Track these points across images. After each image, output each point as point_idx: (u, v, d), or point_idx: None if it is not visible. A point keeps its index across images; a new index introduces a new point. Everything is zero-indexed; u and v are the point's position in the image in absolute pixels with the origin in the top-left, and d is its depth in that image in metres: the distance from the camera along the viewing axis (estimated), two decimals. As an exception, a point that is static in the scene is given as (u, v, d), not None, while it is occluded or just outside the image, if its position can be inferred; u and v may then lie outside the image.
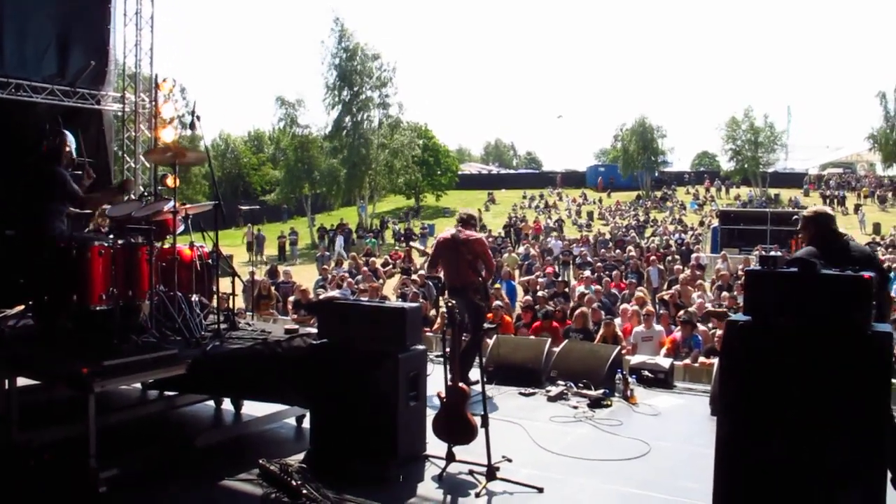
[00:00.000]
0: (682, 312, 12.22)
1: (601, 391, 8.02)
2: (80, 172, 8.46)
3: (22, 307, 7.36)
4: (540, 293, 15.24)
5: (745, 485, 4.13)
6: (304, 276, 22.81)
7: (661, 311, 13.19)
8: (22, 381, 6.29)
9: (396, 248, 35.62)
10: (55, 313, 6.63)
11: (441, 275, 8.42)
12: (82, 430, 5.40)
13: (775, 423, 4.04)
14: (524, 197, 60.49)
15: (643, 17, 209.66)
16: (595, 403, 7.82)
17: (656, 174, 65.94)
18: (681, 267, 20.73)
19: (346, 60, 47.64)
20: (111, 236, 6.88)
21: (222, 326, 6.91)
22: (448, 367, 6.07)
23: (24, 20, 10.51)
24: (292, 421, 7.21)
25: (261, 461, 5.55)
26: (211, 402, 7.62)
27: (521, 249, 30.06)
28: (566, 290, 17.74)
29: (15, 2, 10.33)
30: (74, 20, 11.22)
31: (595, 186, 65.69)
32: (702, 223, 42.98)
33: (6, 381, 6.17)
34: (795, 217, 25.93)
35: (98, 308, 6.47)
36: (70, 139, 7.13)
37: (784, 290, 4.13)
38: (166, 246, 7.23)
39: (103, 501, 5.20)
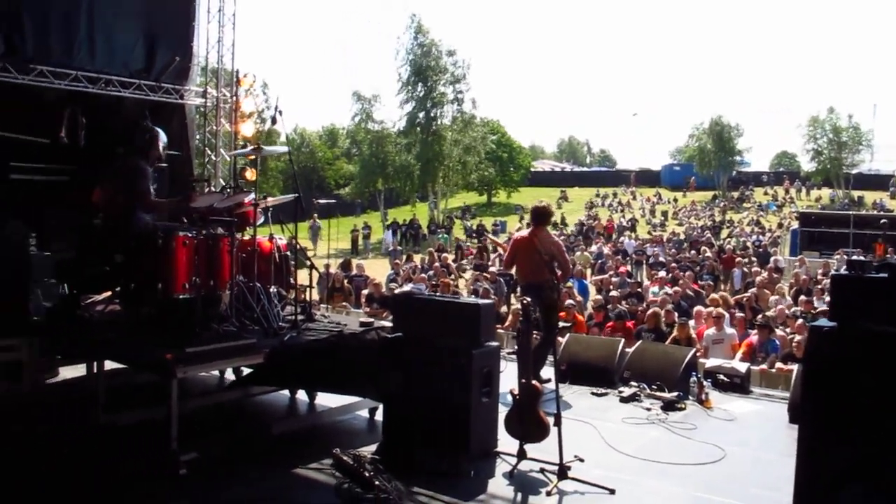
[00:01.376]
0: (759, 316, 11.96)
1: (675, 394, 7.91)
2: (164, 165, 8.72)
3: (109, 294, 7.63)
4: (613, 293, 15.10)
5: (828, 495, 4.01)
6: (376, 270, 23.02)
7: (738, 315, 12.93)
8: (108, 365, 6.52)
9: (468, 243, 35.62)
10: (140, 301, 6.86)
11: (513, 272, 8.43)
12: (164, 414, 5.58)
13: (861, 432, 3.92)
14: (597, 195, 59.84)
15: (721, 13, 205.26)
16: (668, 406, 7.72)
17: (733, 174, 64.55)
18: (758, 270, 20.27)
19: (420, 56, 47.89)
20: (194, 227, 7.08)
21: (299, 318, 7.04)
22: (521, 364, 6.06)
23: (113, 18, 10.83)
24: (365, 413, 7.30)
25: (335, 451, 5.65)
26: (286, 392, 7.77)
27: (594, 248, 29.80)
28: (639, 290, 17.53)
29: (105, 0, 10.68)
30: (160, 17, 11.53)
31: (680, 185, 64.22)
32: (780, 225, 41.89)
33: (94, 365, 6.41)
34: (883, 221, 25.10)
35: (181, 297, 6.66)
36: (162, 137, 7.37)
37: (873, 295, 4.00)
38: (246, 237, 7.39)
39: (183, 484, 5.36)
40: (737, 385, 8.55)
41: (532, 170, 68.82)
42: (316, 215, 37.14)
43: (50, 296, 8.08)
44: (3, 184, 6.50)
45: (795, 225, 32.90)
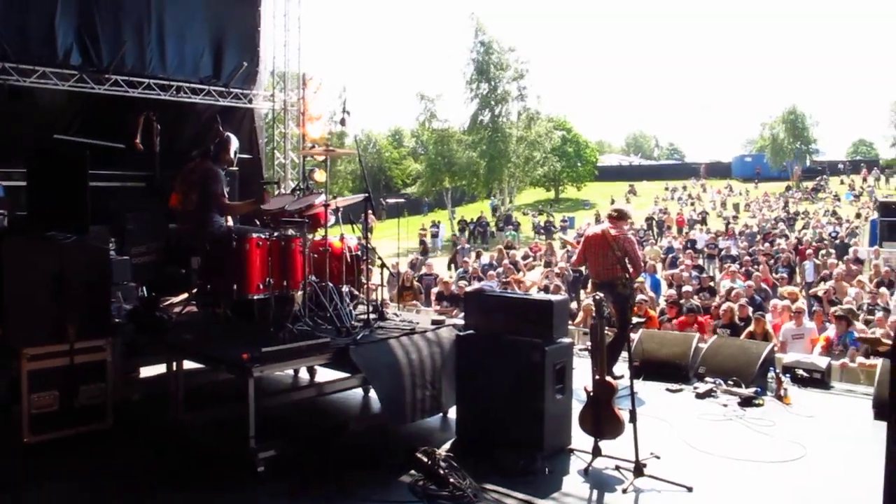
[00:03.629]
0: (836, 308, 11.61)
1: (752, 389, 7.74)
2: (235, 168, 8.90)
3: (186, 295, 7.82)
4: (685, 287, 14.85)
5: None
6: (445, 267, 23.08)
7: (815, 308, 12.58)
8: (187, 365, 6.68)
9: (536, 240, 35.44)
10: (217, 302, 7.02)
11: (584, 269, 8.39)
12: (242, 413, 5.69)
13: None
14: (666, 189, 58.93)
15: (791, 2, 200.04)
16: (746, 402, 7.55)
17: (808, 163, 62.87)
18: (835, 262, 19.68)
19: (482, 54, 47.85)
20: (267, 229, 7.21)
21: (371, 316, 7.10)
22: (594, 360, 6.01)
23: (182, 25, 11.14)
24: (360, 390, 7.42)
25: (412, 449, 5.68)
26: (359, 390, 7.84)
27: (664, 242, 29.35)
28: (711, 284, 17.21)
29: (174, 8, 10.96)
30: (227, 23, 11.79)
31: (752, 177, 62.72)
32: (858, 215, 40.59)
33: (174, 364, 6.58)
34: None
35: (256, 297, 6.79)
36: (234, 142, 7.53)
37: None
38: (318, 238, 7.48)
39: (261, 480, 5.46)
40: (817, 380, 8.33)
41: (599, 164, 68.08)
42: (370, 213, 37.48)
43: (130, 298, 8.35)
44: (85, 190, 6.72)
45: (875, 215, 31.79)
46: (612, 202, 42.75)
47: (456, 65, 74.32)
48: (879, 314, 12.04)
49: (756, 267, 18.71)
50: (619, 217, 8.45)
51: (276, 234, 6.99)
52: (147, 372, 7.88)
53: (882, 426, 4.15)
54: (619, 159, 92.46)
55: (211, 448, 6.12)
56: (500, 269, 19.07)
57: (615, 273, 7.98)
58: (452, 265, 24.60)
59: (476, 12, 51.24)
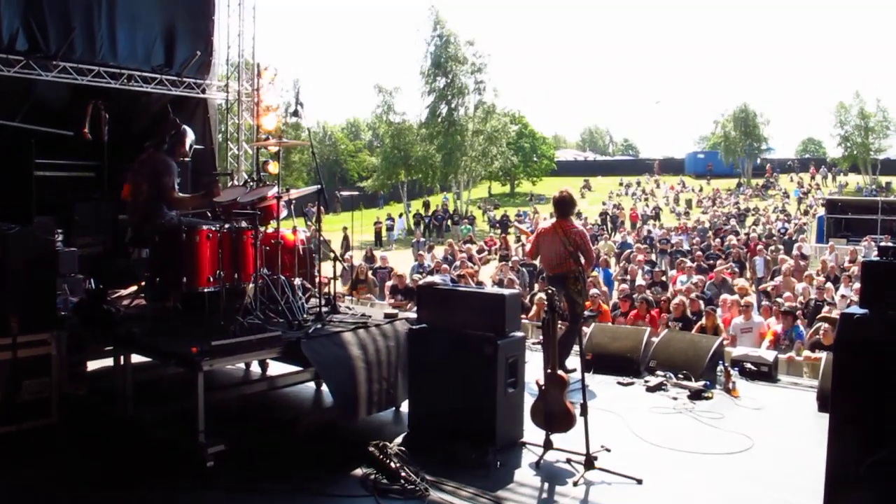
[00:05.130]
0: (783, 301, 11.84)
1: (702, 383, 7.85)
2: (188, 160, 8.76)
3: (135, 288, 7.68)
4: (637, 282, 15.00)
5: (860, 484, 3.94)
6: (400, 261, 23.02)
7: (764, 303, 12.81)
8: (135, 359, 6.57)
9: (491, 234, 35.57)
10: (166, 295, 6.90)
11: (538, 262, 8.39)
12: (191, 407, 5.60)
13: (894, 421, 3.85)
14: (621, 184, 59.57)
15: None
16: (695, 395, 7.66)
17: (758, 161, 63.95)
18: (784, 257, 20.05)
19: (440, 48, 47.82)
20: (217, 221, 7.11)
21: (324, 310, 7.04)
22: (546, 354, 6.03)
23: (134, 12, 10.91)
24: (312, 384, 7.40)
25: (362, 442, 5.66)
26: (311, 384, 7.79)
27: (618, 237, 29.65)
28: (664, 279, 17.40)
29: (126, -4, 10.74)
30: (181, 12, 11.59)
31: (704, 174, 63.55)
32: (806, 212, 41.45)
33: (121, 358, 6.46)
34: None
35: (206, 290, 6.69)
36: (190, 135, 7.41)
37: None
38: (270, 230, 7.41)
39: (210, 475, 5.38)
40: (764, 374, 8.46)
41: (555, 159, 68.53)
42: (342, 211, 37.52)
43: (77, 290, 8.17)
44: (29, 180, 6.56)
45: (822, 212, 32.54)
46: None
47: (414, 57, 74.16)
48: (825, 308, 12.32)
49: (712, 262, 18.99)
50: (564, 206, 8.25)
51: (227, 226, 6.89)
52: (94, 366, 7.73)
53: (825, 418, 4.26)
54: (574, 154, 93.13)
55: (159, 443, 6.02)
56: (457, 263, 19.05)
57: (568, 266, 8.00)
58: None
59: (435, 5, 51.16)
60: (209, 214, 7.63)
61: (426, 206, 49.54)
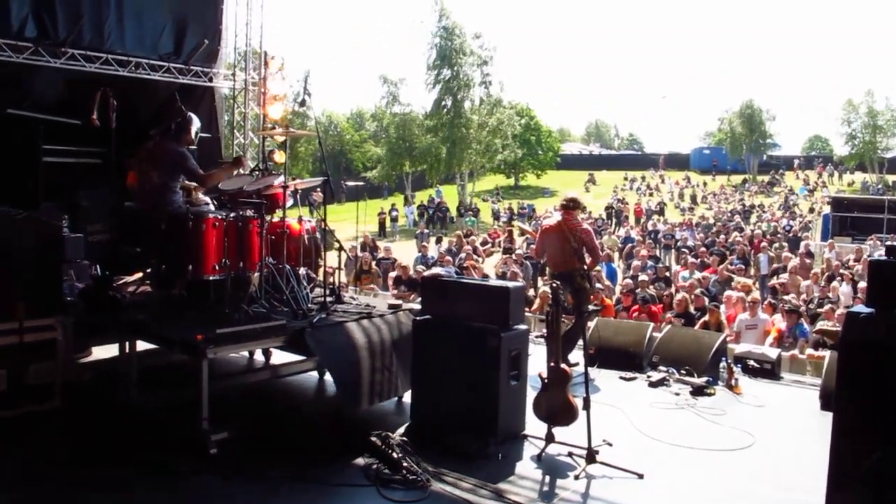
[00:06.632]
0: (788, 299, 11.83)
1: (704, 379, 7.86)
2: (194, 148, 8.78)
3: (140, 275, 7.71)
4: (641, 277, 15.01)
5: (862, 483, 3.95)
6: (403, 252, 23.02)
7: (768, 300, 12.80)
8: (141, 346, 6.59)
9: (495, 227, 35.55)
10: (171, 282, 6.92)
11: (544, 260, 8.41)
12: (195, 394, 5.63)
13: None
14: (625, 178, 59.44)
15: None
16: (697, 391, 7.67)
17: (764, 158, 63.77)
18: (789, 255, 20.02)
19: (445, 39, 47.68)
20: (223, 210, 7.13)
21: (328, 299, 7.06)
22: (549, 347, 6.05)
23: (142, 1, 10.89)
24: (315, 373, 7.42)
25: (364, 432, 5.68)
26: (315, 373, 7.82)
27: (622, 232, 29.62)
28: (667, 274, 17.41)
29: (135, -17, 10.72)
30: (189, 1, 11.56)
31: (710, 169, 63.27)
32: (812, 210, 41.35)
33: (127, 345, 6.49)
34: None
35: (211, 278, 6.72)
36: (196, 122, 7.42)
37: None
38: (275, 220, 7.42)
39: (213, 462, 5.42)
40: (767, 371, 8.47)
41: (560, 153, 68.38)
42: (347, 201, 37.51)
43: (83, 276, 8.20)
44: (37, 166, 6.56)
45: (827, 210, 32.43)
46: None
47: (419, 48, 73.96)
48: (828, 307, 12.32)
49: (715, 259, 18.95)
50: (572, 207, 8.39)
51: (233, 214, 6.91)
52: (99, 352, 7.76)
53: (827, 416, 4.26)
54: (580, 148, 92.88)
55: (162, 429, 6.04)
56: (462, 255, 19.04)
57: (573, 265, 8.01)
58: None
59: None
60: (215, 202, 7.64)
61: (431, 199, 49.55)
